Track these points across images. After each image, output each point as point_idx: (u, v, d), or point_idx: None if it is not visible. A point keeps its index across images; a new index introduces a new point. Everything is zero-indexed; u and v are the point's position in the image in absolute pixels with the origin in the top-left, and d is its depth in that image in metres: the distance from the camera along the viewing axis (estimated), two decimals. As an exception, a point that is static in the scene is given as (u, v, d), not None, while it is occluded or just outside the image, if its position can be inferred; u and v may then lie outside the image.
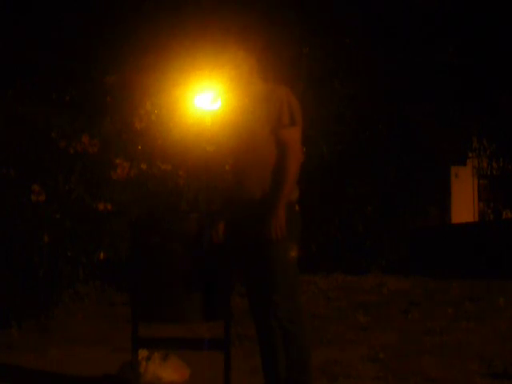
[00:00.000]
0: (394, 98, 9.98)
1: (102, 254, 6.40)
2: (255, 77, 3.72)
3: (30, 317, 5.93)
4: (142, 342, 3.79)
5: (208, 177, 7.04)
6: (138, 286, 3.71)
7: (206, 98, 7.21)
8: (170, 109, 7.39)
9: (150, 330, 3.82)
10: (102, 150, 6.52)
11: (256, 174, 3.53)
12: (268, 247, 3.47)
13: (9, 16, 8.44)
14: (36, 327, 5.91)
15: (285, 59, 8.59)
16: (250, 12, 8.16)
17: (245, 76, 3.70)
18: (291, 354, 3.54)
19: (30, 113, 6.56)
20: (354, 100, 9.41)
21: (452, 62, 10.11)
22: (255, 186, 3.53)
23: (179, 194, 6.99)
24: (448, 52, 10.09)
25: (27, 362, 4.91)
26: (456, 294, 7.69)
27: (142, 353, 4.23)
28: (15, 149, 6.25)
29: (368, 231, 9.85)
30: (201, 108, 7.38)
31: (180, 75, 7.32)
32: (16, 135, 6.34)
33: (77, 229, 6.18)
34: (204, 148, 7.12)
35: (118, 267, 6.54)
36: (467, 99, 10.68)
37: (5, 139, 6.28)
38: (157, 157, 7.04)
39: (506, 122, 11.54)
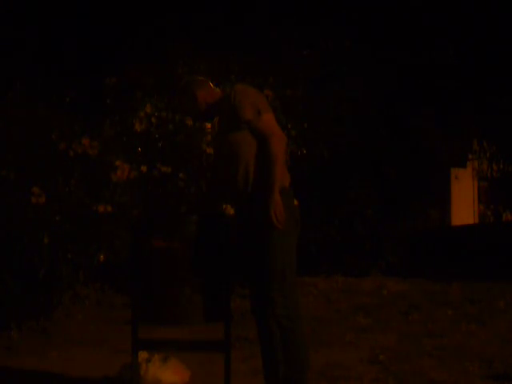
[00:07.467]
0: (394, 99, 9.98)
1: (102, 256, 6.40)
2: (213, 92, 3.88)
3: (29, 319, 5.92)
4: (142, 343, 3.78)
5: (208, 179, 7.04)
6: (138, 287, 3.71)
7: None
8: (169, 111, 7.39)
9: (149, 331, 3.81)
10: (102, 152, 6.53)
11: (241, 171, 3.63)
12: (265, 235, 3.54)
13: (8, 17, 8.45)
14: (36, 329, 5.90)
15: (284, 61, 8.60)
16: (250, 14, 8.17)
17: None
18: (289, 352, 3.56)
19: (29, 115, 6.57)
20: (354, 102, 9.41)
21: (452, 63, 10.12)
22: (241, 181, 3.64)
23: (179, 197, 6.98)
24: (448, 54, 10.09)
25: (27, 364, 4.91)
26: (456, 296, 7.68)
27: (142, 355, 4.23)
28: (15, 151, 6.25)
29: (368, 233, 9.83)
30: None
31: (180, 77, 7.31)
32: (16, 137, 6.34)
33: (77, 231, 6.18)
34: (204, 150, 7.12)
35: (118, 269, 6.54)
36: (467, 101, 10.68)
37: (5, 141, 6.28)
38: (157, 159, 7.04)
39: (507, 124, 11.54)
